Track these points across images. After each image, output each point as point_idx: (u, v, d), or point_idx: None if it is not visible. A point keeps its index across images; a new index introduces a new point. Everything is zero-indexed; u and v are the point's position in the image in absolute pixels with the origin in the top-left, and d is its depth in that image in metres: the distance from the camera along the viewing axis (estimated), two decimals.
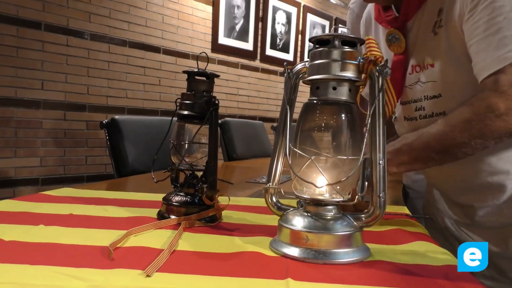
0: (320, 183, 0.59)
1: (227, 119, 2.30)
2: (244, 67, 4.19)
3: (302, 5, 4.76)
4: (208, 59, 0.77)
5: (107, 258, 0.54)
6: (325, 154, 0.59)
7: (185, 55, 3.62)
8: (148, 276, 0.48)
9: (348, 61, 0.59)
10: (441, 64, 0.85)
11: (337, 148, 0.61)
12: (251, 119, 4.06)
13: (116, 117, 1.57)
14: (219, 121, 2.24)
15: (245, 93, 4.23)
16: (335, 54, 0.59)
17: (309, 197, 0.60)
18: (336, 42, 0.59)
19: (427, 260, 0.58)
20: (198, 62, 0.77)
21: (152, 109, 3.33)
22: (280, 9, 4.50)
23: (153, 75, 3.38)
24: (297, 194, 0.61)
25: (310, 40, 0.62)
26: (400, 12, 0.89)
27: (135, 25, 3.23)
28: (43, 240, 0.60)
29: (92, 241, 0.60)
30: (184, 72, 0.76)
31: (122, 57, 3.16)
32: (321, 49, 0.60)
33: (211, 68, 3.85)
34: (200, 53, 0.76)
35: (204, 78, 0.76)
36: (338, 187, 0.59)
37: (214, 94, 0.77)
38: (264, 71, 4.37)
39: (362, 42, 0.61)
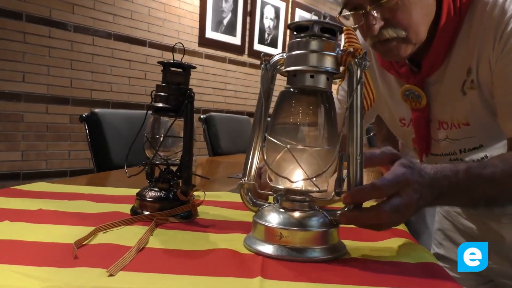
0: (296, 174, 0.57)
1: (212, 113, 2.27)
2: (232, 61, 4.16)
3: (291, 0, 4.74)
4: (184, 51, 0.74)
5: (70, 256, 0.51)
6: (301, 144, 0.57)
7: (170, 49, 3.57)
8: (111, 275, 0.46)
9: (326, 52, 0.57)
10: (479, 122, 0.81)
11: (314, 138, 0.59)
12: (239, 114, 4.04)
13: (96, 110, 1.54)
14: (204, 116, 2.21)
15: (233, 88, 4.21)
16: (313, 45, 0.57)
17: (283, 187, 0.58)
18: (315, 29, 0.57)
19: (403, 257, 0.57)
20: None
21: (137, 103, 3.29)
22: (268, 3, 4.48)
23: (139, 68, 3.33)
24: (272, 185, 0.59)
25: (288, 27, 0.60)
26: (422, 68, 0.82)
27: (120, 18, 3.18)
28: (6, 237, 0.57)
29: (58, 238, 0.58)
30: (159, 63, 0.73)
31: (106, 50, 3.11)
32: (299, 39, 0.58)
33: (198, 62, 3.82)
34: (176, 44, 0.74)
35: (180, 70, 0.74)
36: (314, 179, 0.57)
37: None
38: (252, 66, 4.35)
39: (341, 30, 0.59)
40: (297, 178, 0.57)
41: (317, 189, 0.57)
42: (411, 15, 0.72)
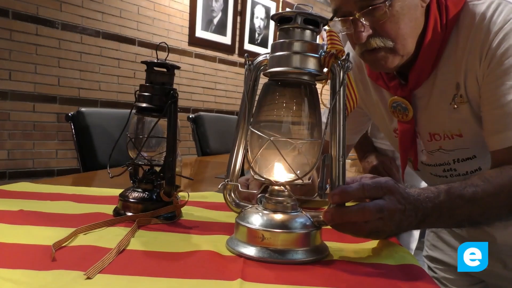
0: (280, 166, 0.57)
1: (201, 113, 2.26)
2: (222, 61, 4.14)
3: (281, 0, 4.74)
4: (168, 50, 0.73)
5: (48, 258, 0.50)
6: (284, 136, 0.57)
7: (161, 48, 3.54)
8: (88, 278, 0.45)
9: (309, 54, 0.57)
10: (474, 133, 0.81)
11: (297, 130, 0.59)
12: (229, 114, 4.03)
13: (83, 109, 1.52)
14: (193, 116, 2.20)
15: (223, 87, 4.19)
16: (296, 46, 0.57)
17: (265, 178, 0.58)
18: (299, 20, 0.57)
19: (385, 259, 0.57)
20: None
21: (126, 102, 3.26)
22: (259, 3, 4.47)
23: (128, 67, 3.30)
24: (256, 177, 0.59)
25: (272, 18, 0.60)
26: (408, 81, 0.82)
27: (109, 16, 3.15)
28: None
29: (37, 240, 0.57)
30: (143, 62, 0.72)
31: (95, 48, 3.08)
32: (282, 40, 0.58)
33: (188, 61, 3.79)
34: (160, 43, 0.73)
35: (164, 70, 0.73)
36: (298, 171, 0.57)
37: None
38: (242, 65, 4.29)
39: (325, 21, 0.59)
40: (280, 170, 0.57)
41: (301, 182, 0.57)
42: (399, 26, 0.73)
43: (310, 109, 0.59)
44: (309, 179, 0.59)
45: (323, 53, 0.58)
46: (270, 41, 4.66)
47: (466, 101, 0.79)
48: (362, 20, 0.71)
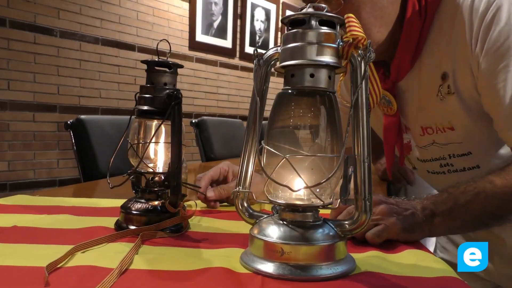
0: (297, 185, 0.51)
1: (204, 117, 2.21)
2: (223, 65, 4.09)
3: (281, 2, 4.69)
4: (170, 49, 0.68)
5: (41, 283, 0.44)
6: (301, 152, 0.51)
7: (161, 53, 3.49)
8: None
9: (326, 43, 0.51)
10: (464, 127, 0.78)
11: (316, 145, 0.53)
12: (232, 118, 3.97)
13: (82, 116, 1.47)
14: (196, 120, 2.14)
15: (225, 91, 4.14)
16: (311, 36, 0.51)
17: (284, 202, 0.52)
18: (313, 22, 0.51)
19: (419, 271, 0.51)
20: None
21: (127, 109, 3.21)
22: (259, 6, 4.42)
23: (128, 73, 3.25)
24: (271, 198, 0.53)
25: (282, 21, 0.54)
26: (390, 74, 0.79)
27: (108, 22, 3.11)
28: None
29: (29, 261, 0.51)
30: (143, 62, 0.67)
31: (94, 55, 3.03)
32: (294, 30, 0.52)
33: (189, 66, 3.74)
34: (160, 40, 0.67)
35: (166, 69, 0.68)
36: (317, 190, 0.51)
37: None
38: (244, 69, 4.28)
39: (342, 22, 0.53)
40: (298, 187, 0.50)
41: (321, 203, 0.51)
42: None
43: (329, 120, 0.52)
44: (330, 198, 0.53)
45: (341, 43, 0.52)
46: (271, 43, 4.61)
47: (453, 92, 0.74)
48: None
